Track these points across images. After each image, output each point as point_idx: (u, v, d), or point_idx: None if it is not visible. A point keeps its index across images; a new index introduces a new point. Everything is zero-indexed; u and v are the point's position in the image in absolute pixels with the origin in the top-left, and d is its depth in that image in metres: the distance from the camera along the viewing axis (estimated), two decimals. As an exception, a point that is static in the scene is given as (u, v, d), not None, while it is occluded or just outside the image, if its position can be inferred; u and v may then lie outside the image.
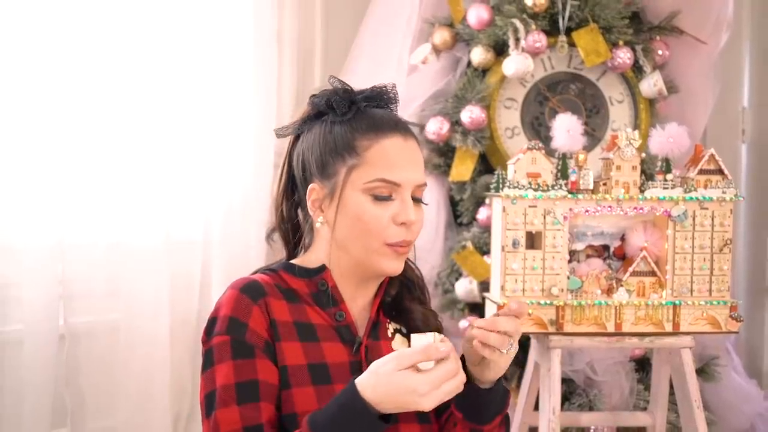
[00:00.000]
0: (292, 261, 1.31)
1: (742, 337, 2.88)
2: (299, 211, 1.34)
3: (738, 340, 2.84)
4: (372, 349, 1.27)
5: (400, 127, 1.26)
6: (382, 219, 1.22)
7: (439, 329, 1.33)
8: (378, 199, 1.23)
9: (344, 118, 1.25)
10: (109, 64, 2.06)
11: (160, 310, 2.15)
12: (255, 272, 1.31)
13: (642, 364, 2.35)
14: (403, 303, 1.33)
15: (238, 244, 2.36)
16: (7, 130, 1.91)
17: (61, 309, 2.01)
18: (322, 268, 1.27)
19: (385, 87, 1.30)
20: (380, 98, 1.29)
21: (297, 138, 1.32)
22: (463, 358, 1.24)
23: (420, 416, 1.27)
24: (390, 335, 1.31)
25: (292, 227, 1.34)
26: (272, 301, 1.23)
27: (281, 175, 1.34)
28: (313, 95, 1.29)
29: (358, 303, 1.30)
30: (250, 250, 2.39)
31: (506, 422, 1.30)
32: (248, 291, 1.22)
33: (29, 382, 1.93)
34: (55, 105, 1.97)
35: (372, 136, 1.24)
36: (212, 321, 1.22)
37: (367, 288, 1.30)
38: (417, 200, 1.26)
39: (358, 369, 1.23)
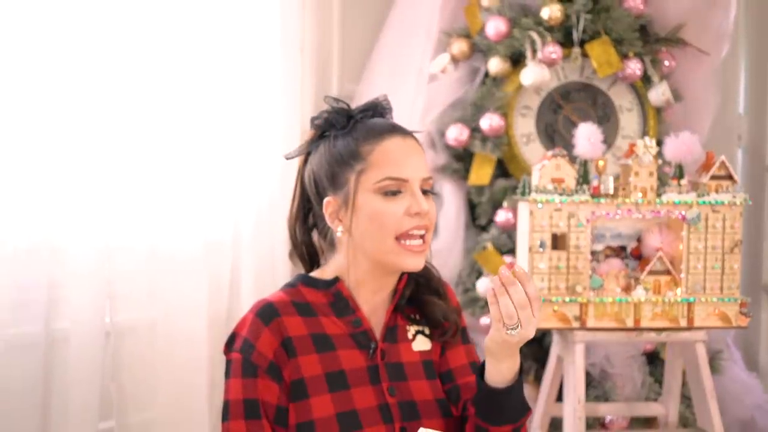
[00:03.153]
0: (312, 273, 1.40)
1: (739, 333, 3.02)
2: (313, 232, 1.42)
3: (736, 335, 2.98)
4: (388, 351, 1.36)
5: (396, 129, 1.36)
6: (395, 213, 1.30)
7: (457, 324, 1.41)
8: (388, 195, 1.30)
9: (344, 131, 1.35)
10: (152, 76, 2.15)
11: (198, 309, 2.24)
12: (279, 289, 1.39)
13: (651, 358, 2.48)
14: (420, 297, 1.40)
15: (266, 245, 2.46)
16: (58, 143, 1.99)
17: (107, 307, 2.10)
18: (336, 280, 1.36)
19: (378, 98, 1.39)
20: (374, 109, 1.38)
21: (305, 161, 1.40)
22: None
23: (443, 411, 1.35)
24: (411, 337, 1.39)
25: (307, 248, 1.43)
26: (286, 320, 1.32)
27: (293, 198, 1.42)
28: (314, 117, 1.39)
29: (375, 309, 1.37)
30: (277, 252, 2.49)
31: None
32: (262, 315, 1.33)
33: (77, 377, 2.02)
34: (104, 120, 2.05)
35: (372, 140, 1.33)
36: (233, 336, 1.34)
37: (384, 291, 1.37)
38: (426, 192, 1.34)
39: (376, 372, 1.33)
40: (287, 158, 1.42)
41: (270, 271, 2.47)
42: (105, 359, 2.09)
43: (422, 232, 1.32)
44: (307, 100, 2.66)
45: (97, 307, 2.07)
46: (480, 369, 1.30)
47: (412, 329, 1.39)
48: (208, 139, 2.30)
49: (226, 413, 1.30)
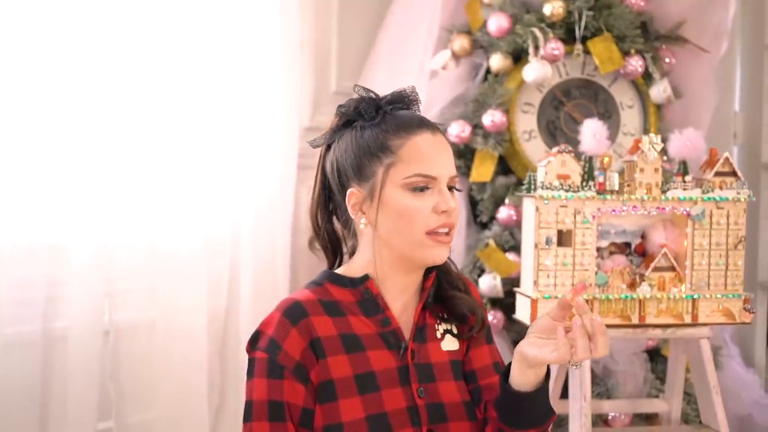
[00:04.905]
0: (337, 270, 1.38)
1: (736, 329, 3.03)
2: (335, 220, 1.39)
3: (734, 331, 2.99)
4: (418, 351, 1.34)
5: (426, 124, 1.33)
6: (423, 209, 1.28)
7: (483, 318, 1.39)
8: (416, 191, 1.29)
9: (373, 122, 1.31)
10: (151, 75, 2.13)
11: (197, 308, 2.22)
12: (304, 287, 1.36)
13: (652, 355, 2.48)
14: (444, 293, 1.38)
15: (265, 244, 2.44)
16: (58, 142, 1.97)
17: (106, 306, 2.08)
18: (366, 278, 1.33)
19: (405, 90, 1.36)
20: (403, 101, 1.35)
21: (328, 149, 1.37)
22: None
23: (470, 414, 1.34)
24: (439, 336, 1.37)
25: (329, 236, 1.40)
26: (315, 320, 1.29)
27: (315, 185, 1.38)
28: (341, 105, 1.35)
29: (404, 308, 1.36)
30: (276, 250, 2.47)
31: None
32: (290, 314, 1.29)
33: (76, 376, 1.99)
34: (104, 118, 2.04)
35: (403, 134, 1.30)
36: (257, 334, 1.30)
37: (411, 289, 1.36)
38: (451, 188, 1.33)
39: (406, 372, 1.31)
40: (313, 146, 1.39)
41: (269, 269, 2.45)
42: (104, 358, 2.08)
43: (447, 230, 1.31)
44: (306, 97, 2.64)
45: (96, 306, 2.05)
46: (505, 372, 1.29)
47: (440, 328, 1.38)
48: (208, 138, 2.29)
49: (249, 413, 1.27)
